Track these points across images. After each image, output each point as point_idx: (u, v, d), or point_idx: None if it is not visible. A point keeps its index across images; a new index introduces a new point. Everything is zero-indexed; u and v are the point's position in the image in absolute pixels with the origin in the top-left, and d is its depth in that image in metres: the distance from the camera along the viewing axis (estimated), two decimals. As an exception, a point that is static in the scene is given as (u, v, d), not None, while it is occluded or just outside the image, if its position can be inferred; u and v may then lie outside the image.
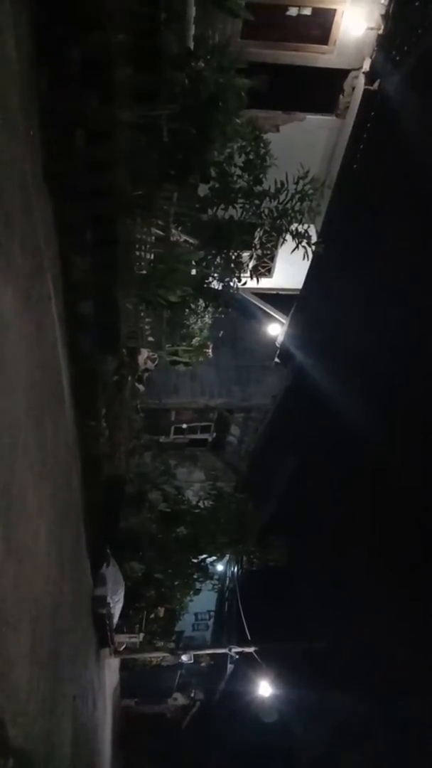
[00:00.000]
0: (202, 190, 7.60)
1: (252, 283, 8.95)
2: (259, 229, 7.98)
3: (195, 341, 9.32)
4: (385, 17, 9.22)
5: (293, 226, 7.55)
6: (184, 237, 8.27)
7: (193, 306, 8.47)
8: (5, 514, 3.18)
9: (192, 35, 6.92)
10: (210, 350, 9.58)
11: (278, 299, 14.58)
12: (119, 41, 4.70)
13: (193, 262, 7.60)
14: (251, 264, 8.94)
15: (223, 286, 8.31)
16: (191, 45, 6.77)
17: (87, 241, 5.41)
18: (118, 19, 4.60)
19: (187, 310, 8.47)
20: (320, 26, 9.92)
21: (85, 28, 4.39)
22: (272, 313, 14.59)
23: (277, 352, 14.79)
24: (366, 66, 9.82)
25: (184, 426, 17.97)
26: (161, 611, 13.88)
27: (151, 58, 5.16)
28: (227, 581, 19.38)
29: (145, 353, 9.85)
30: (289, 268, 13.26)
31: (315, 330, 13.18)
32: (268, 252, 12.81)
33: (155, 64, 5.27)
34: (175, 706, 19.87)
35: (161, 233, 7.75)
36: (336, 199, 10.47)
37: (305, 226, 7.68)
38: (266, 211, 7.54)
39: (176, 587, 12.06)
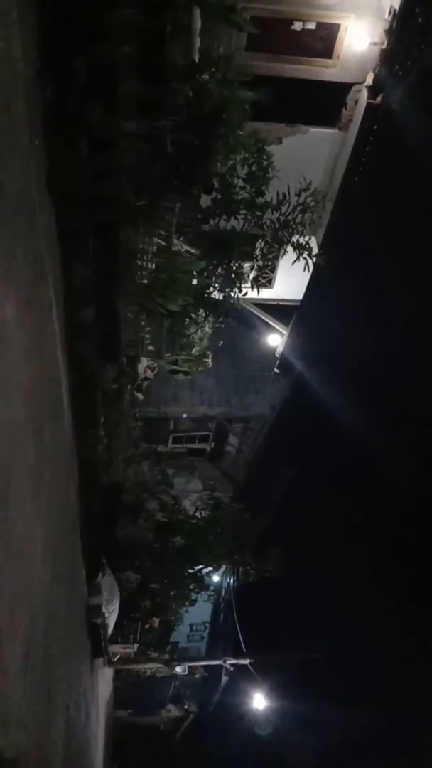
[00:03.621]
0: (205, 200, 7.63)
1: (253, 294, 8.97)
2: (260, 240, 8.00)
3: (195, 350, 9.32)
4: (389, 32, 9.30)
5: (294, 238, 7.57)
6: (185, 247, 8.29)
7: (193, 315, 8.47)
8: (2, 522, 3.17)
9: (197, 47, 6.97)
10: (210, 360, 9.57)
11: (279, 310, 14.61)
12: (125, 52, 4.74)
13: (195, 272, 7.61)
14: (252, 274, 8.97)
15: (223, 296, 8.32)
16: (196, 57, 6.81)
17: (89, 249, 5.43)
18: (124, 31, 4.64)
19: (187, 319, 8.48)
20: (324, 40, 10.00)
21: (92, 39, 4.43)
22: (272, 323, 14.61)
23: (277, 362, 14.79)
24: (369, 80, 9.89)
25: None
26: (156, 622, 13.79)
27: (156, 69, 5.19)
28: (223, 592, 19.29)
29: (144, 362, 9.85)
30: (290, 279, 13.30)
31: (315, 341, 13.20)
32: (269, 263, 12.85)
33: (160, 76, 5.30)
34: (168, 718, 19.71)
35: (163, 243, 7.77)
36: (337, 211, 10.53)
37: (306, 237, 7.70)
38: (268, 223, 7.56)
39: (172, 598, 11.99)
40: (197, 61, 6.66)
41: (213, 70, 6.37)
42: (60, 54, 4.32)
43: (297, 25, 9.82)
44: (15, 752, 3.36)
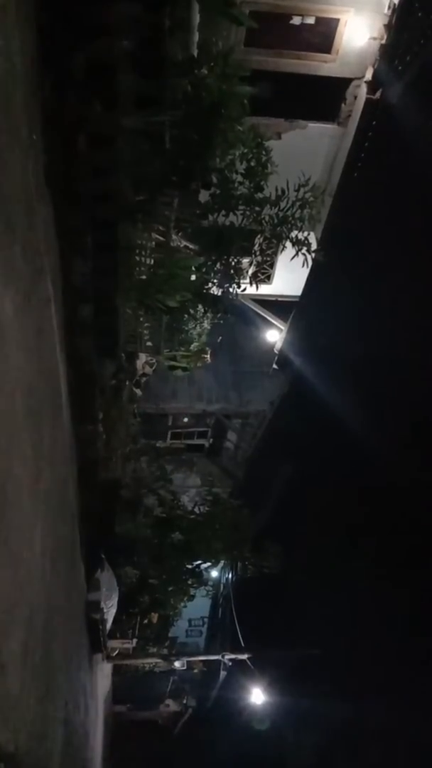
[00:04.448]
0: (203, 196, 7.61)
1: (251, 290, 8.94)
2: (259, 236, 7.98)
3: (193, 346, 9.34)
4: (388, 27, 9.28)
5: (293, 234, 7.55)
6: (184, 242, 8.29)
7: (192, 311, 8.47)
8: (0, 517, 3.17)
9: (196, 42, 6.96)
10: (208, 356, 9.58)
11: (277, 306, 14.60)
12: (123, 48, 4.72)
13: (193, 268, 7.60)
14: (251, 270, 8.95)
15: (222, 292, 8.31)
16: (195, 52, 6.80)
17: (88, 246, 5.42)
18: (123, 26, 4.62)
19: (186, 315, 8.48)
20: (323, 35, 9.97)
21: (90, 34, 4.41)
22: (271, 319, 14.61)
23: (276, 358, 14.79)
24: (368, 75, 9.87)
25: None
26: (155, 617, 13.82)
27: (155, 64, 5.18)
28: (221, 587, 19.33)
29: (143, 358, 9.86)
30: (289, 275, 13.29)
31: (314, 337, 13.20)
32: (268, 259, 12.85)
33: (159, 71, 5.28)
34: (167, 713, 19.78)
35: (162, 238, 7.77)
36: (336, 207, 10.51)
37: (305, 233, 7.69)
38: (267, 218, 7.54)
39: (170, 593, 12.02)
40: (196, 56, 6.65)
41: (212, 65, 6.35)
42: (58, 50, 4.31)
43: (296, 20, 9.80)
44: (13, 747, 3.37)
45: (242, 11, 6.60)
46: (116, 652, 12.11)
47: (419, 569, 10.91)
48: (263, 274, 13.83)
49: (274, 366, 15.02)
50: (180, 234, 8.21)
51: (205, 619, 25.21)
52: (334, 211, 10.51)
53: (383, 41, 9.45)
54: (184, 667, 15.17)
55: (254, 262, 9.00)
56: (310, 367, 13.45)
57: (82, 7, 4.29)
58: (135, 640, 12.59)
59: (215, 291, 8.31)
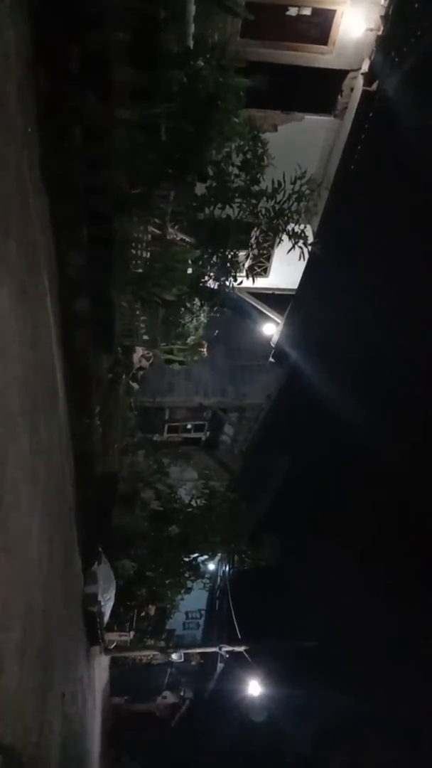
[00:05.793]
0: (200, 189, 7.59)
1: (248, 283, 8.94)
2: (255, 229, 7.97)
3: (190, 340, 9.33)
4: (385, 18, 9.23)
5: (290, 226, 7.55)
6: (180, 236, 8.27)
7: (188, 305, 8.46)
8: (-3, 512, 3.17)
9: (191, 34, 6.93)
10: (205, 349, 9.58)
11: (274, 299, 14.59)
12: (119, 39, 4.70)
13: (190, 261, 7.59)
14: (247, 263, 8.93)
15: (219, 285, 8.30)
16: (190, 44, 6.77)
17: (83, 239, 5.41)
18: (118, 17, 4.60)
19: (182, 308, 8.47)
20: (320, 26, 9.93)
21: (85, 26, 4.38)
22: (268, 312, 14.60)
23: (272, 351, 14.79)
24: (365, 67, 9.82)
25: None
26: (152, 609, 13.87)
27: (151, 56, 5.16)
28: (218, 580, 19.39)
29: (139, 351, 9.85)
30: (285, 268, 13.26)
31: (310, 330, 13.20)
32: (265, 252, 12.79)
33: (154, 63, 5.26)
34: (164, 705, 19.84)
35: (158, 231, 7.75)
36: (333, 199, 10.49)
37: (302, 226, 7.68)
38: (263, 211, 7.54)
39: (168, 586, 12.05)
40: (192, 47, 6.62)
41: (208, 56, 6.34)
42: (53, 41, 4.28)
43: (292, 11, 9.75)
44: (12, 740, 3.39)
45: (238, 2, 6.56)
46: (114, 644, 12.15)
47: (418, 559, 10.96)
48: (260, 267, 13.80)
49: (271, 359, 15.03)
50: (176, 227, 8.19)
51: (203, 612, 25.33)
52: (331, 204, 10.49)
53: (380, 33, 9.40)
54: (182, 660, 15.24)
55: (251, 255, 8.97)
56: (307, 360, 13.45)
57: (76, -3, 4.26)
58: (132, 633, 12.64)
59: (212, 284, 8.31)
